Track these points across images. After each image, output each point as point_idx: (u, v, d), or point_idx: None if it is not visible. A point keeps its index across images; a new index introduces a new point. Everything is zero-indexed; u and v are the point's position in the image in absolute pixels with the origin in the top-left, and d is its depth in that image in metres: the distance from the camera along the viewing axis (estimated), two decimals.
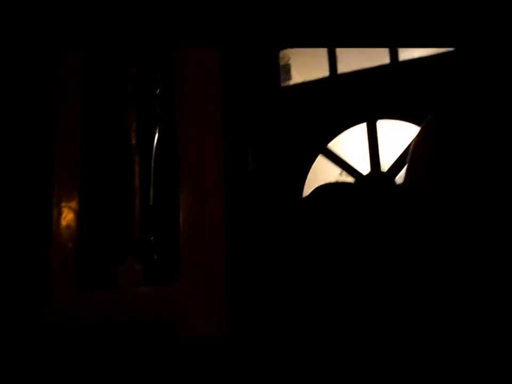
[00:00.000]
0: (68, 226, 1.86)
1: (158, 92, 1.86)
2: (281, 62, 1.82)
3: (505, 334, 1.18)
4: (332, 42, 1.64)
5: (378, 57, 1.63)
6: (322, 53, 1.72)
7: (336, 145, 1.65)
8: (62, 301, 1.82)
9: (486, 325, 1.20)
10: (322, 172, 1.69)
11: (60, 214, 1.86)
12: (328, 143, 1.64)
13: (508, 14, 1.42)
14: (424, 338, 1.23)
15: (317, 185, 1.63)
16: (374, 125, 1.59)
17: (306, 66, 1.83)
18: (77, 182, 1.88)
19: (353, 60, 1.68)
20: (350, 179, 1.61)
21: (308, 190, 1.59)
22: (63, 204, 1.86)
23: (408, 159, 1.46)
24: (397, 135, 1.56)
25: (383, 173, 1.57)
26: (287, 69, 1.90)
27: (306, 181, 1.62)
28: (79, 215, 1.85)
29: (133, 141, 1.83)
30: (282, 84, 1.78)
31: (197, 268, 1.65)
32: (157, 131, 1.84)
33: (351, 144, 1.66)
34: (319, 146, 1.64)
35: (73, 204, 1.86)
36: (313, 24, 1.57)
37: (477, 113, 1.35)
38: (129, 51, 1.88)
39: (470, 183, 1.31)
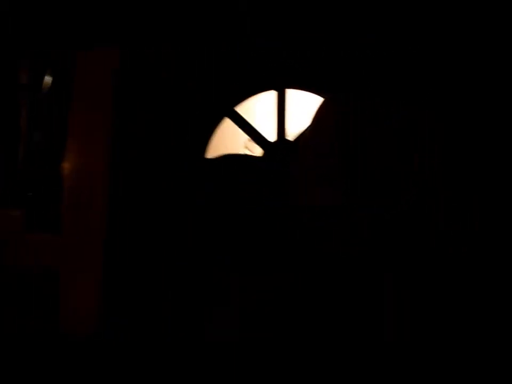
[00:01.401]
0: None
1: None
2: None
3: (504, 334, 1.23)
4: None
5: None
6: None
7: (244, 111, 1.65)
8: None
9: (485, 324, 1.25)
10: (230, 137, 1.68)
11: None
12: (235, 106, 1.63)
13: None
14: (423, 337, 1.27)
15: (223, 150, 1.63)
16: (283, 93, 1.61)
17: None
18: None
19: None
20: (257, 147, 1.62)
21: (212, 153, 1.58)
22: None
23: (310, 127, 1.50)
24: (305, 106, 1.59)
25: (288, 141, 1.60)
26: None
27: (213, 143, 1.60)
28: None
29: (23, 81, 1.68)
30: None
31: (77, 220, 1.58)
32: (50, 73, 1.71)
33: (259, 111, 1.67)
34: (226, 108, 1.62)
35: None
36: None
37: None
38: None
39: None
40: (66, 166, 1.62)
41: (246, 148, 1.68)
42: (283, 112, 1.60)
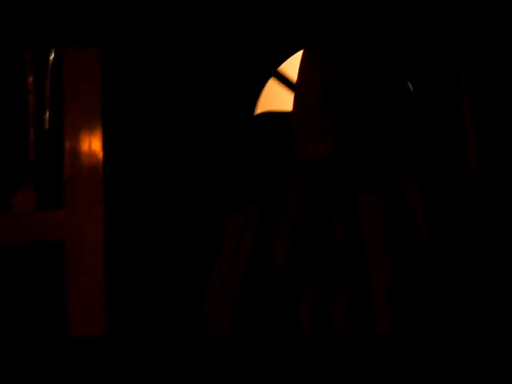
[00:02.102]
0: None
1: None
2: None
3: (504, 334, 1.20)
4: None
5: None
6: None
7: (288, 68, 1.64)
8: None
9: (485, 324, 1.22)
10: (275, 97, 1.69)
11: None
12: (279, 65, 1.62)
13: None
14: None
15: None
16: None
17: None
18: None
19: None
20: None
21: None
22: None
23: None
24: None
25: None
26: None
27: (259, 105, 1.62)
28: None
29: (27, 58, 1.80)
30: None
31: (78, 195, 1.67)
32: (53, 54, 1.81)
33: None
34: (269, 68, 1.62)
35: None
36: None
37: None
38: None
39: None
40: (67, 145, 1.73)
41: None
42: None
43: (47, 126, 1.82)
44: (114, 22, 1.56)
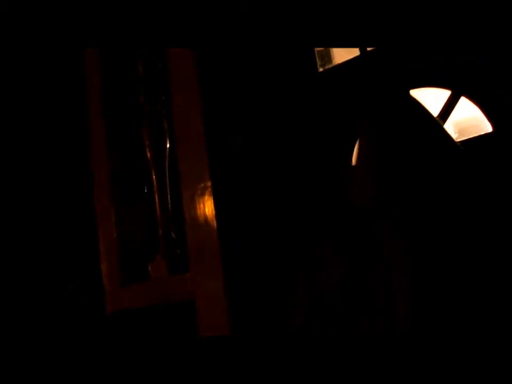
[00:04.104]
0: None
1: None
2: None
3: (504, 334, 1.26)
4: None
5: None
6: None
7: None
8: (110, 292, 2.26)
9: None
10: None
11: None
12: None
13: None
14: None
15: None
16: None
17: None
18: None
19: None
20: None
21: None
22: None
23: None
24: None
25: None
26: None
27: None
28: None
29: (149, 155, 2.19)
30: None
31: (200, 260, 1.98)
32: (167, 142, 2.19)
33: None
34: None
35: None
36: None
37: None
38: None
39: None
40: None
41: None
42: None
43: (169, 205, 2.19)
44: None
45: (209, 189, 1.92)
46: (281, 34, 1.71)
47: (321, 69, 2.04)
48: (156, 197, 2.20)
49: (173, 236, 2.17)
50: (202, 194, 1.97)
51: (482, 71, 1.65)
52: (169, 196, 2.19)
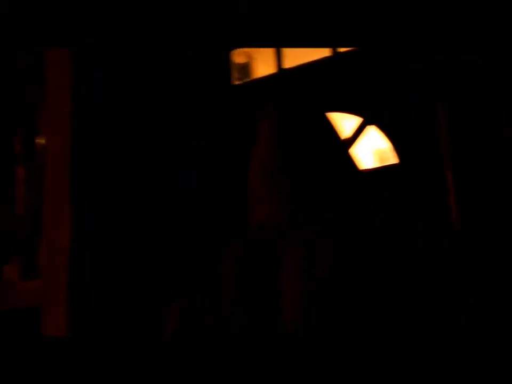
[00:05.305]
0: None
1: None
2: None
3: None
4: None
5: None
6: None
7: None
8: None
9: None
10: None
11: None
12: None
13: None
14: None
15: None
16: None
17: None
18: None
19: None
20: None
21: None
22: None
23: None
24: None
25: None
26: None
27: None
28: None
29: (18, 149, 2.17)
30: None
31: (49, 269, 1.96)
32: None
33: None
34: None
35: None
36: None
37: None
38: None
39: None
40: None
41: None
42: None
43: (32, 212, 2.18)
44: None
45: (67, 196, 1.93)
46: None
47: (237, 82, 2.11)
48: (22, 200, 2.19)
49: (32, 240, 2.16)
50: (63, 203, 1.97)
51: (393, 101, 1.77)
52: (34, 202, 2.18)
